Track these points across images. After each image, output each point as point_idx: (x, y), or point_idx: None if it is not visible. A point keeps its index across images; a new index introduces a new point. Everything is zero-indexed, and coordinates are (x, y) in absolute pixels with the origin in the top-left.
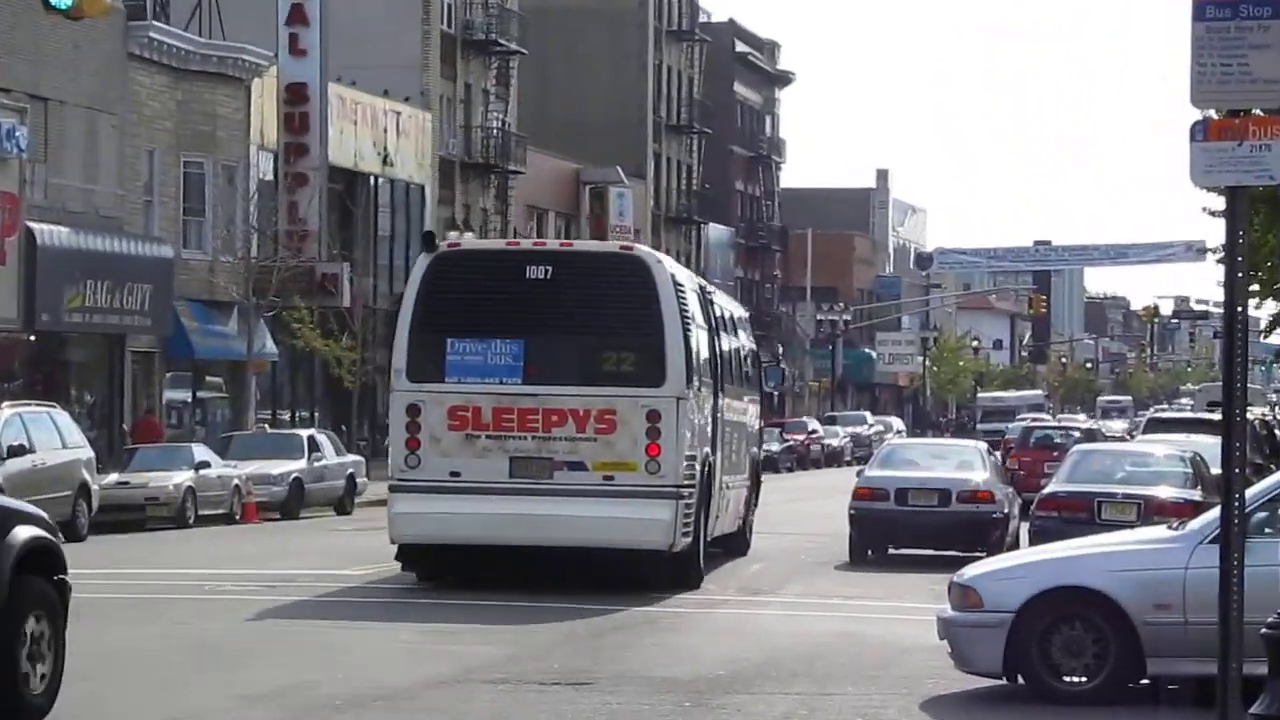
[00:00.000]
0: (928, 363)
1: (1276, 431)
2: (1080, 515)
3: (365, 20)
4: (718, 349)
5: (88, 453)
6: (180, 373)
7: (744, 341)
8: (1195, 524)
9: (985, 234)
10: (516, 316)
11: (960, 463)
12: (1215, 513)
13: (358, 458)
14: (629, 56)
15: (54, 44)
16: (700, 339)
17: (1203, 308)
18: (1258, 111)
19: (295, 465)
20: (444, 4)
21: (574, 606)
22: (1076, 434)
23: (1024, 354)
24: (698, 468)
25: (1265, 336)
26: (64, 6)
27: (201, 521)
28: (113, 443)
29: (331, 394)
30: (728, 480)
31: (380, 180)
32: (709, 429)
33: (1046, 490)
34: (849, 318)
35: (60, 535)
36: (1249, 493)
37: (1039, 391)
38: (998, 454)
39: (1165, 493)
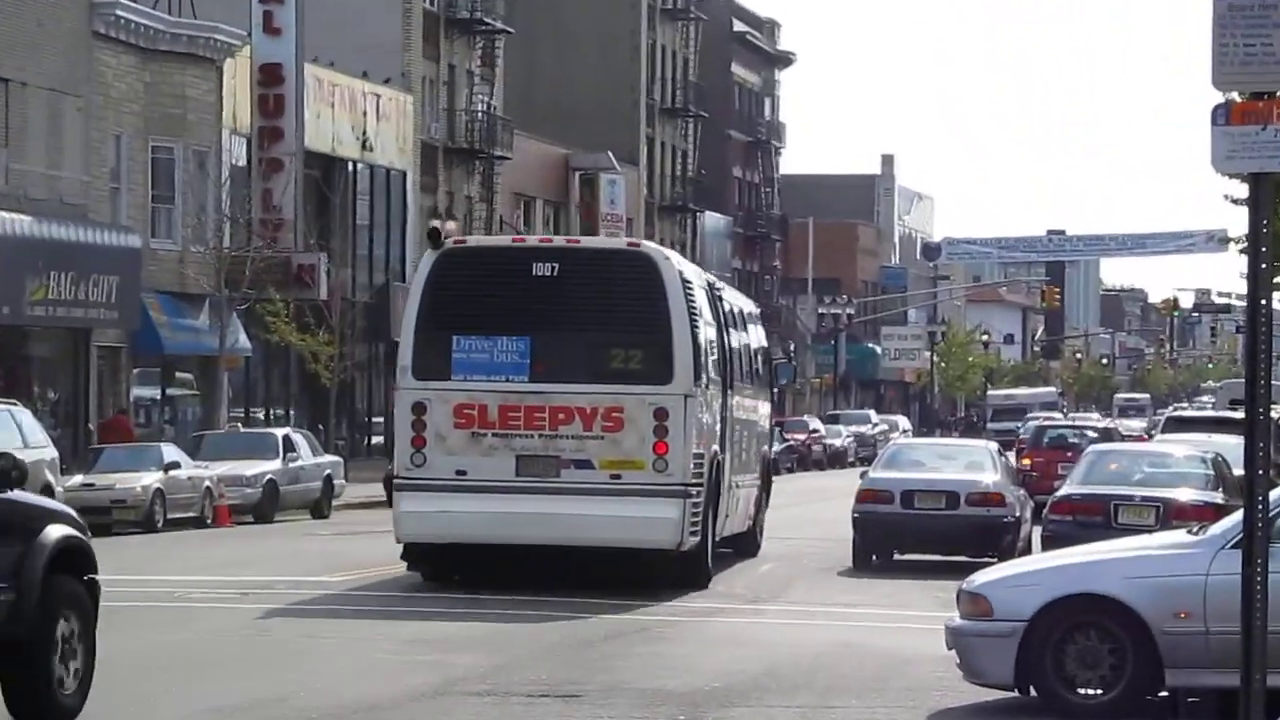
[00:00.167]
0: (935, 358)
1: None
2: (1096, 519)
3: None
4: (726, 346)
5: (51, 452)
6: (149, 369)
7: (754, 338)
8: (1217, 528)
9: (996, 223)
10: (523, 314)
11: (969, 464)
12: (1238, 516)
13: (335, 458)
14: (621, 36)
15: (15, 22)
16: (708, 336)
17: (1225, 300)
18: None
19: (270, 466)
20: None
21: (564, 614)
22: (1092, 434)
23: (1036, 349)
24: (706, 466)
25: None
26: None
27: (171, 525)
28: (78, 442)
29: (308, 391)
30: (737, 479)
31: (359, 166)
32: (718, 427)
33: (1060, 493)
34: (852, 311)
35: (89, 533)
36: (1273, 495)
37: (1052, 389)
38: (1009, 454)
39: (1185, 495)
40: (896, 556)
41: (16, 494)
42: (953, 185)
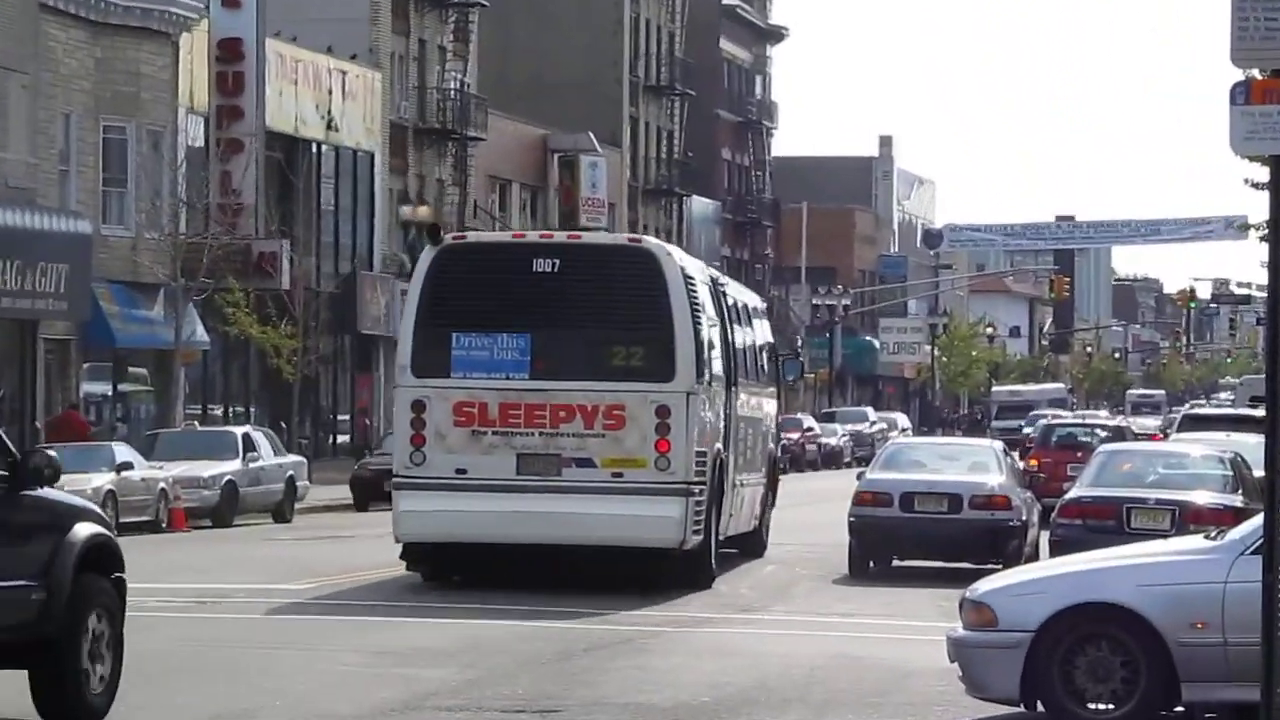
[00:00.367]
0: (937, 352)
1: None
2: (1107, 523)
3: None
4: (730, 342)
5: None
6: (100, 363)
7: (759, 334)
8: (1236, 533)
9: (1001, 208)
10: (523, 310)
11: (973, 464)
12: (1258, 520)
13: (299, 458)
14: (602, 9)
15: None
16: (711, 332)
17: (1245, 291)
18: None
19: (228, 467)
20: None
21: (546, 621)
22: (1103, 432)
23: (1044, 343)
24: (709, 464)
25: None
26: None
27: (123, 529)
28: (24, 441)
29: (269, 387)
30: (742, 478)
31: (324, 148)
32: (721, 425)
33: (1069, 495)
34: (849, 302)
35: (115, 531)
36: None
37: (1061, 385)
38: (1014, 454)
39: (1202, 498)
40: (895, 563)
41: (46, 491)
42: (955, 168)
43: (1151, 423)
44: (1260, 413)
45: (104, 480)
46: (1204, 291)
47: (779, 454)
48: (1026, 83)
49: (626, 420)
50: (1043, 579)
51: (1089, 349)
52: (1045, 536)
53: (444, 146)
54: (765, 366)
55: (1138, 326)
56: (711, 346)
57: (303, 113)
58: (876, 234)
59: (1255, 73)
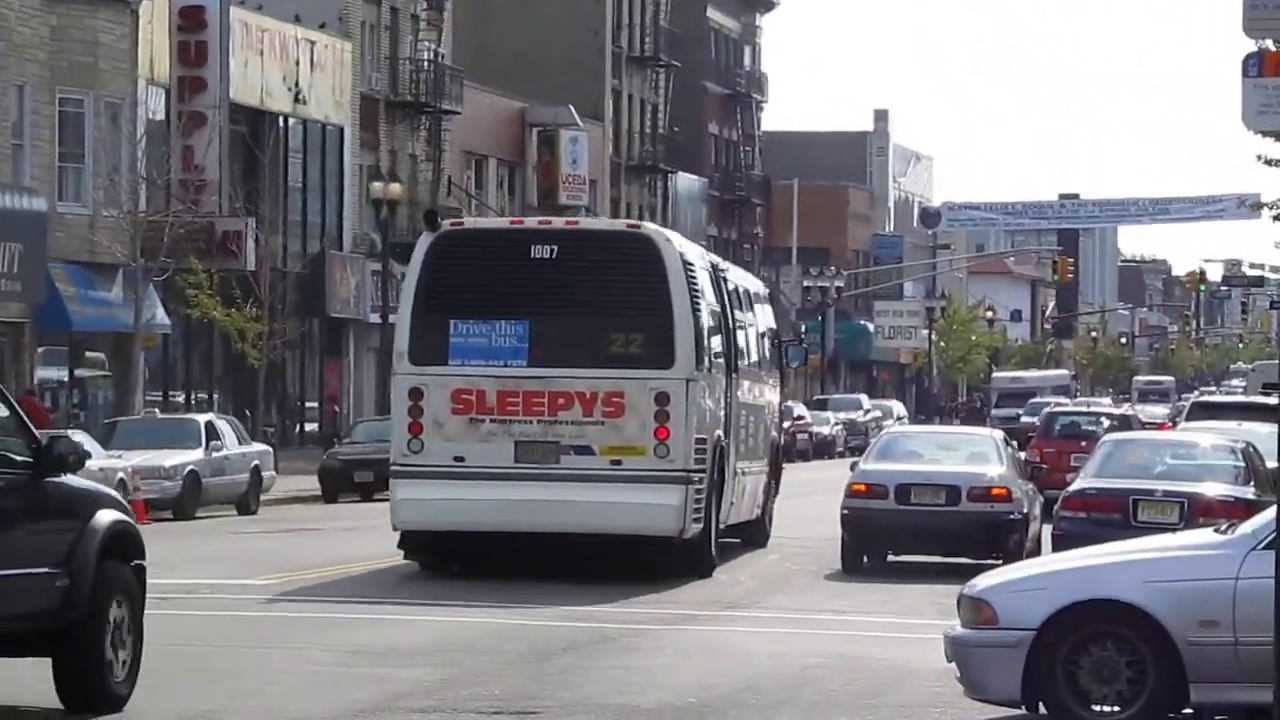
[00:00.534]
0: (934, 337)
1: None
2: (1113, 516)
3: None
4: (731, 328)
5: None
6: (55, 347)
7: (761, 319)
8: (1247, 527)
9: (1002, 186)
10: (521, 297)
11: (972, 454)
12: (1271, 513)
13: (264, 447)
14: None
15: None
16: (711, 318)
17: (1257, 273)
18: None
19: (190, 457)
20: None
21: (527, 619)
22: (1108, 421)
23: (1047, 327)
24: (709, 452)
25: None
26: None
27: None
28: None
29: (233, 373)
30: (743, 466)
31: (291, 121)
32: (721, 412)
33: (1073, 487)
34: (842, 284)
35: (134, 517)
36: None
37: (1064, 371)
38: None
39: (1212, 490)
40: (890, 558)
41: (69, 478)
42: (954, 143)
43: (1159, 411)
44: (1273, 400)
45: None
46: (1215, 273)
47: (782, 442)
48: (1029, 53)
49: (625, 407)
50: (1045, 575)
51: (1094, 334)
52: (1048, 530)
53: (417, 120)
54: (768, 353)
55: (1145, 310)
56: (711, 333)
57: (269, 84)
58: (871, 213)
59: (1269, 44)
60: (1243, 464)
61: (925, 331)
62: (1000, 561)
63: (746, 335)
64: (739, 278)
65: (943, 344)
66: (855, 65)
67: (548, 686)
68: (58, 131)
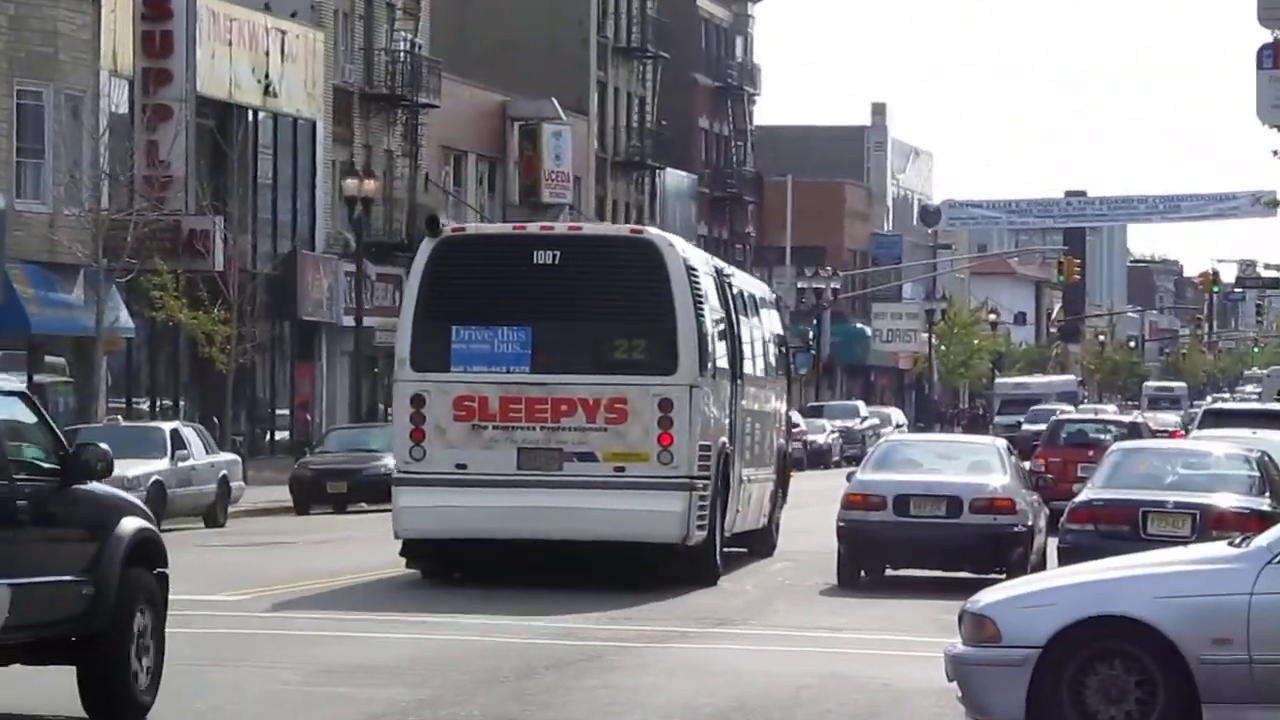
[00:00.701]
0: (934, 341)
1: None
2: (1121, 529)
3: None
4: (736, 334)
5: None
6: (13, 351)
7: (767, 325)
8: (1263, 539)
9: (1005, 183)
10: (523, 303)
11: (974, 464)
12: None
13: (232, 457)
14: None
15: None
16: (715, 324)
17: (1273, 274)
18: None
19: (155, 466)
20: None
21: (510, 636)
22: (1117, 429)
23: (1052, 330)
24: (713, 459)
25: None
26: None
27: None
28: None
29: (200, 378)
30: (749, 473)
31: (261, 115)
32: (726, 418)
33: (1080, 498)
34: (838, 285)
35: (157, 524)
36: None
37: (1071, 377)
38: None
39: (1226, 501)
40: (889, 572)
41: (95, 486)
42: (955, 139)
43: (1170, 418)
44: None
45: None
46: (1228, 274)
47: (789, 449)
48: (1033, 44)
49: (629, 414)
50: (1050, 590)
51: (1102, 337)
52: (1053, 544)
53: (393, 114)
54: (774, 359)
55: (1155, 312)
56: (716, 338)
57: (237, 76)
58: (868, 211)
59: None
60: (1258, 474)
61: (925, 335)
62: (1004, 576)
63: (752, 341)
64: (744, 283)
65: (943, 348)
66: (852, 57)
67: (529, 707)
68: (15, 126)
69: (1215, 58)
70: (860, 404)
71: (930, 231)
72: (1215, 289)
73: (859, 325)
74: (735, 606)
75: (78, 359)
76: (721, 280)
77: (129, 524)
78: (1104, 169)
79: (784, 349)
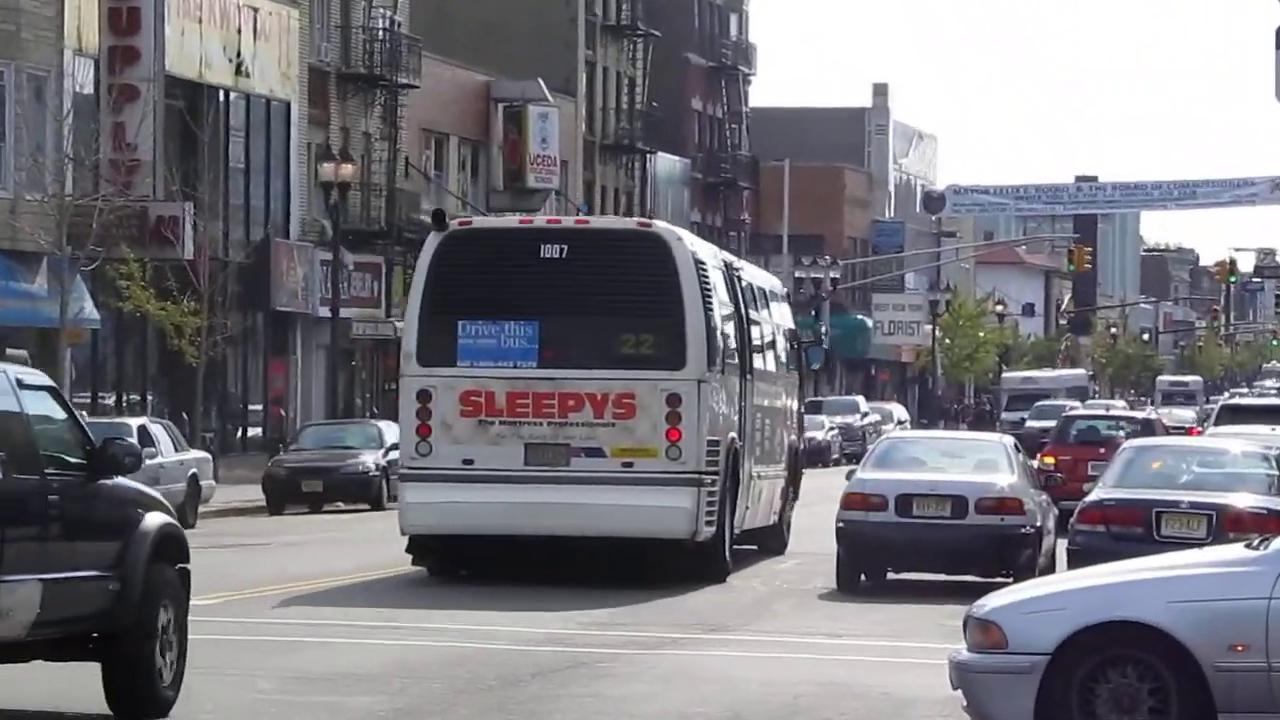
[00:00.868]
0: (938, 333)
1: None
2: (1134, 530)
3: None
4: (745, 328)
5: None
6: None
7: (778, 319)
8: None
9: (1012, 168)
10: (530, 297)
11: (980, 462)
12: None
13: (203, 454)
14: None
15: None
16: (724, 318)
17: None
18: None
19: None
20: None
21: (493, 643)
22: (1129, 426)
23: (1062, 322)
24: (722, 454)
25: None
26: None
27: None
28: None
29: (169, 372)
30: (759, 470)
31: (233, 96)
32: (735, 414)
33: (1091, 498)
34: (837, 275)
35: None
36: None
37: (1081, 371)
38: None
39: (1243, 501)
40: (890, 575)
41: (119, 480)
42: (960, 121)
43: (1186, 414)
44: None
45: None
46: (1246, 263)
47: (801, 446)
48: (1041, 23)
49: (636, 409)
50: (1059, 594)
51: (1113, 330)
52: (1062, 545)
53: (371, 95)
54: (785, 353)
55: (1170, 304)
56: (725, 333)
57: (208, 55)
58: (869, 197)
59: None
60: (1276, 473)
61: (928, 327)
62: (1010, 580)
63: (762, 336)
64: (754, 276)
65: (948, 341)
66: (852, 35)
67: (512, 716)
68: None
69: (1232, 39)
70: (860, 399)
71: (934, 219)
72: (1232, 279)
73: (859, 317)
74: (744, 604)
75: (41, 352)
76: (731, 274)
77: (153, 519)
78: (1116, 153)
79: (796, 343)
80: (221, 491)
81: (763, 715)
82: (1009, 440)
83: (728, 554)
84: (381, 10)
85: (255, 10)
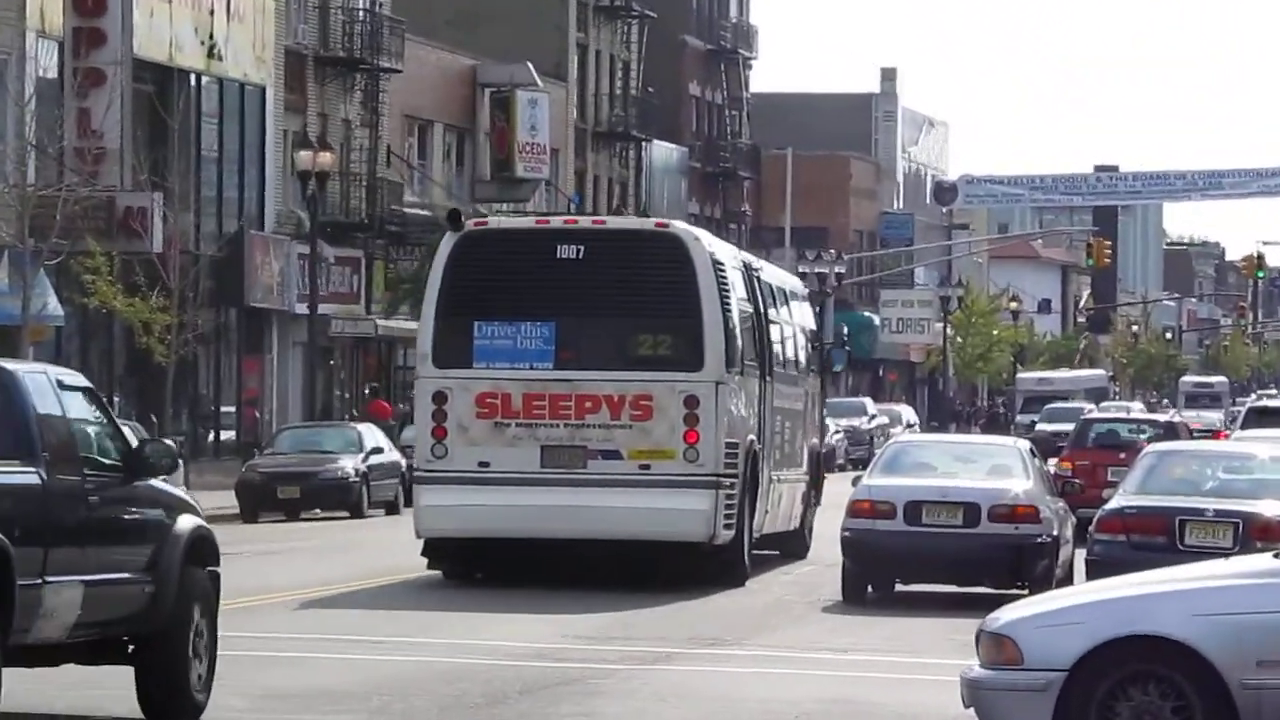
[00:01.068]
0: (950, 332)
1: None
2: (1156, 539)
3: None
4: (764, 330)
5: None
6: None
7: (798, 320)
8: None
9: (1028, 157)
10: (547, 298)
11: (993, 468)
12: None
13: None
14: None
15: None
16: (742, 319)
17: None
18: None
19: None
20: None
21: (475, 659)
22: (1151, 429)
23: (1081, 320)
24: (740, 457)
25: None
26: None
27: None
28: None
29: (137, 372)
30: (779, 473)
31: (205, 80)
32: (754, 416)
33: (1110, 505)
34: (843, 270)
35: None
36: None
37: (1101, 371)
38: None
39: (1272, 509)
40: (899, 587)
41: (153, 482)
42: (973, 108)
43: (1213, 416)
44: None
45: None
46: (1274, 257)
47: (823, 448)
48: (1059, 2)
49: (654, 411)
50: (1077, 607)
51: (1135, 328)
52: (1080, 555)
53: (351, 79)
54: (805, 355)
55: (1194, 300)
56: (743, 334)
57: (178, 37)
58: (877, 187)
59: None
60: None
61: (939, 325)
62: (1026, 592)
63: (782, 336)
64: (774, 276)
65: (959, 340)
66: (859, 17)
67: None
68: None
69: (1262, 21)
70: (867, 401)
71: (945, 210)
72: (1260, 274)
73: (866, 314)
74: (756, 611)
75: (1, 350)
76: (750, 274)
77: (186, 521)
78: (1138, 141)
79: (817, 344)
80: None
81: None
82: (1024, 444)
83: (746, 558)
84: None
85: None
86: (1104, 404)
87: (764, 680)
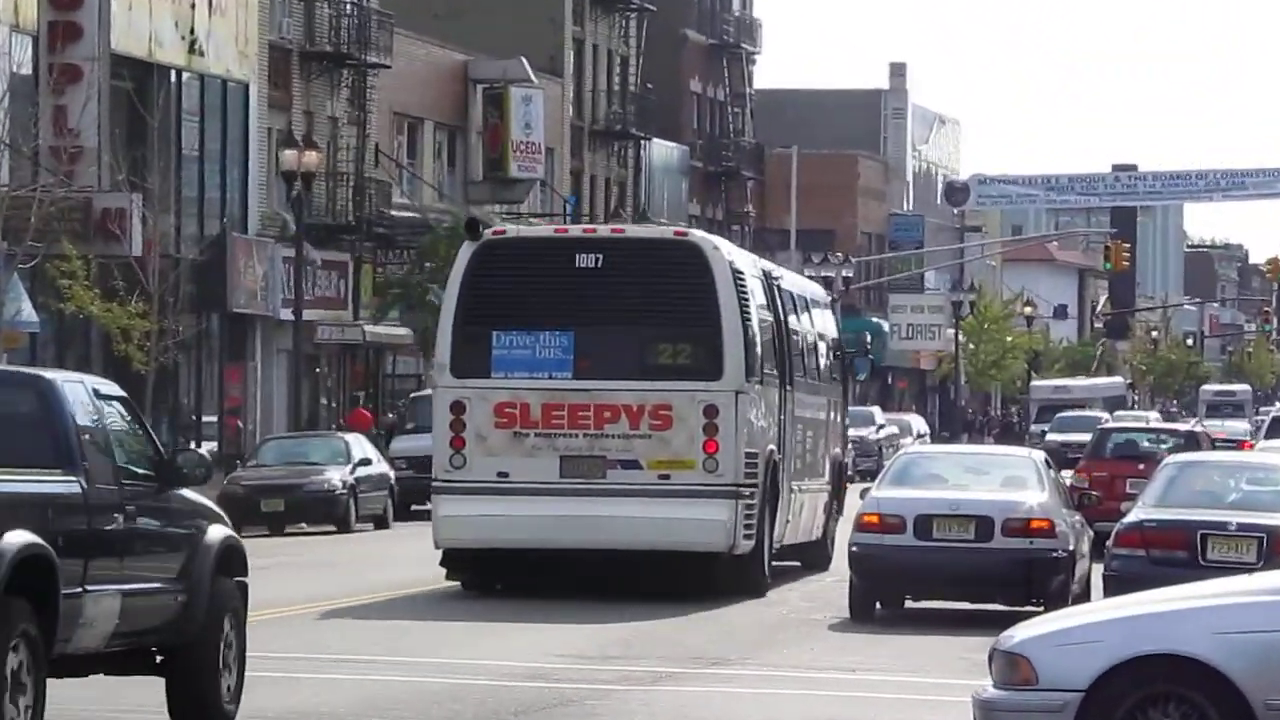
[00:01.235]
0: (961, 338)
1: None
2: (1177, 554)
3: None
4: (785, 338)
5: None
6: None
7: (820, 328)
8: None
9: (1043, 156)
10: (566, 307)
11: (1007, 479)
12: None
13: None
14: None
15: None
16: (762, 328)
17: None
18: None
19: None
20: None
21: (468, 680)
22: (1172, 439)
23: (1098, 325)
24: (760, 467)
25: None
26: None
27: None
28: None
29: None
30: (800, 483)
31: (186, 76)
32: (774, 426)
33: (1129, 519)
34: (850, 274)
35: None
36: None
37: (1119, 379)
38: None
39: None
40: (908, 604)
41: (185, 492)
42: (985, 105)
43: (1239, 426)
44: None
45: None
46: None
47: (846, 459)
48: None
49: (673, 420)
50: (1094, 625)
51: (1154, 334)
52: (1098, 571)
53: (338, 76)
54: (826, 364)
55: (1216, 305)
56: (763, 343)
57: (158, 32)
58: (886, 187)
59: None
60: None
61: (950, 331)
62: (1041, 609)
63: (803, 345)
64: (795, 284)
65: (972, 346)
66: (867, 10)
67: None
68: None
69: (1259, 21)
70: (876, 410)
71: (957, 211)
72: None
73: (874, 320)
74: (769, 625)
75: None
76: (770, 283)
77: (216, 531)
78: (1156, 140)
79: (839, 353)
80: None
81: None
82: (1039, 455)
83: (766, 568)
84: None
85: None
86: (1118, 413)
87: (767, 700)
